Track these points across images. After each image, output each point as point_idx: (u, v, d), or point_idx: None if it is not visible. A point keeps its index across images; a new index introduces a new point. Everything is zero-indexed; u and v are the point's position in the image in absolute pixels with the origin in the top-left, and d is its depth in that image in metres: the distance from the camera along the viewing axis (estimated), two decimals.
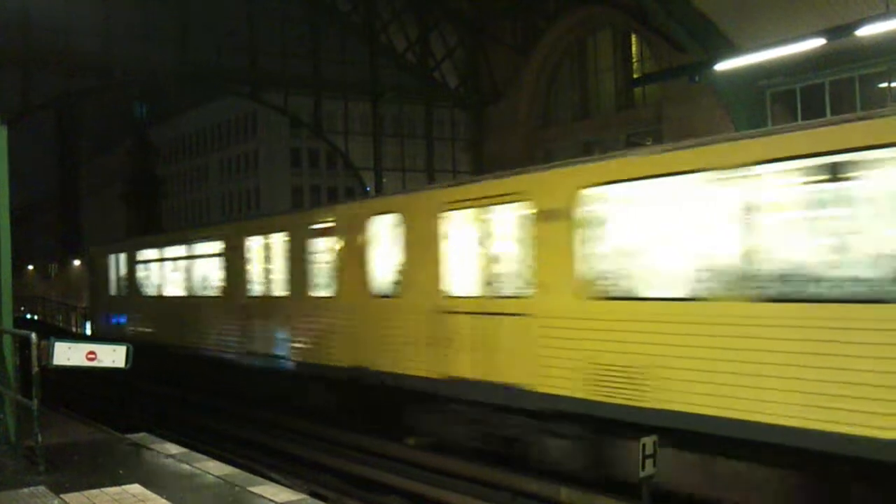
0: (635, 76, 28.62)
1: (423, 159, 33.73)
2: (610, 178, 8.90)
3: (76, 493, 7.31)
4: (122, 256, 23.38)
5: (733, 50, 20.77)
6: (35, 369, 8.18)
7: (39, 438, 8.19)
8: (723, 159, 7.72)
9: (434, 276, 11.12)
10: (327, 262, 13.65)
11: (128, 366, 8.68)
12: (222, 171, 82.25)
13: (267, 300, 15.50)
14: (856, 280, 6.78)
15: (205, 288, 18.10)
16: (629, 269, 8.76)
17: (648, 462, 7.64)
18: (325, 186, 74.13)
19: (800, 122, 8.17)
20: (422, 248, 11.39)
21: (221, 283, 17.25)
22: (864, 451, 6.56)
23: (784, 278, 7.31)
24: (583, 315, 9.00)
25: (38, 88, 25.39)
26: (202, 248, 18.37)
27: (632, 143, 27.31)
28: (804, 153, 7.09)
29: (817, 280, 7.07)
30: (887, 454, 6.41)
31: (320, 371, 13.69)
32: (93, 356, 8.52)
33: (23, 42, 24.84)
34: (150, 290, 21.36)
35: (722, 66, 19.68)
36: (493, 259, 10.34)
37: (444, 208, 11.07)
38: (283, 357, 14.88)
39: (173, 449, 9.28)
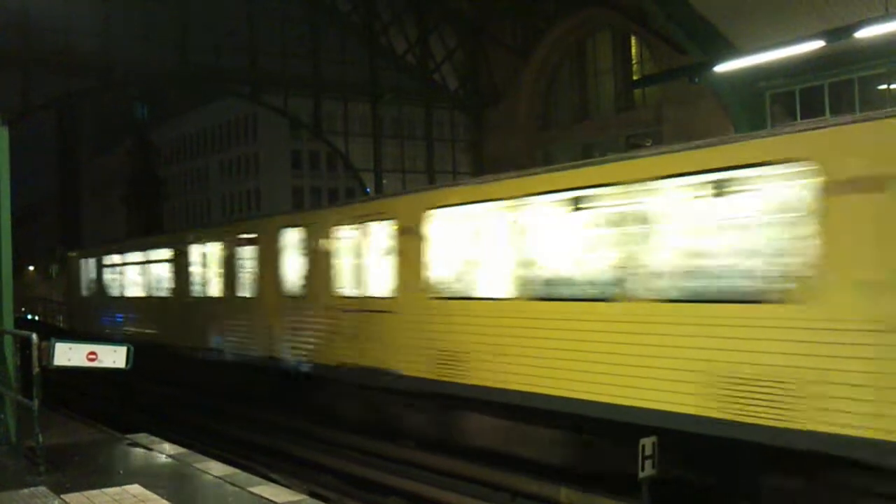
0: (635, 78, 28.66)
1: (423, 160, 33.79)
2: (444, 203, 11.17)
3: (76, 494, 7.33)
4: (92, 261, 26.35)
5: (733, 51, 20.80)
6: (36, 370, 8.20)
7: (40, 439, 8.20)
8: (505, 192, 10.17)
9: (328, 279, 13.31)
10: (250, 268, 16.04)
11: (128, 366, 8.70)
12: (223, 173, 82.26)
13: (205, 300, 17.97)
14: (592, 283, 9.18)
15: (158, 289, 20.66)
16: (458, 275, 11.09)
17: (648, 463, 7.67)
18: (325, 188, 74.13)
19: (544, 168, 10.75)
20: (321, 257, 13.55)
21: (170, 285, 19.83)
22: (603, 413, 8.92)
23: (548, 283, 9.67)
24: (427, 311, 11.27)
25: (38, 89, 25.45)
26: (156, 254, 21.02)
27: (632, 144, 27.34)
28: (551, 189, 9.63)
29: (569, 284, 9.48)
30: (612, 413, 8.78)
31: (245, 359, 16.11)
32: (93, 357, 8.53)
33: (23, 43, 24.90)
34: (115, 291, 24.00)
35: (721, 68, 19.71)
36: (368, 266, 12.58)
37: (334, 224, 13.26)
38: (219, 349, 17.20)
39: (173, 449, 9.30)
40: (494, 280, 10.41)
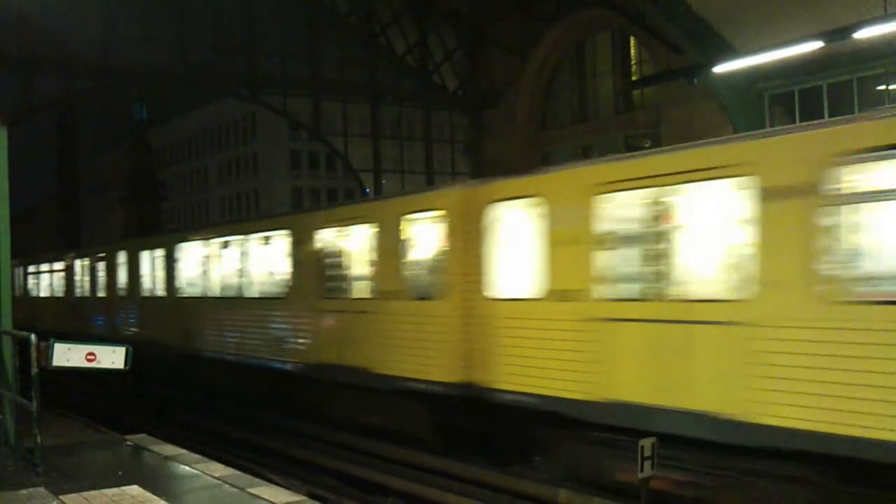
0: (634, 79, 28.66)
1: (422, 161, 33.80)
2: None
3: (75, 495, 7.33)
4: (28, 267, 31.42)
5: (731, 52, 20.80)
6: (34, 370, 8.20)
7: (39, 439, 8.21)
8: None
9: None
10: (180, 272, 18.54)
11: (127, 367, 8.70)
12: (222, 173, 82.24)
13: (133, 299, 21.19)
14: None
15: (90, 290, 24.09)
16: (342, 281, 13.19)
17: (647, 464, 7.67)
18: (324, 188, 74.12)
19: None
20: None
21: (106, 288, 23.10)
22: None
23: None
24: (323, 308, 13.41)
25: (37, 90, 25.44)
26: (80, 262, 25.23)
27: (630, 146, 27.36)
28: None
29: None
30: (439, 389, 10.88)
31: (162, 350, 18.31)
32: (92, 357, 8.53)
33: (22, 44, 24.87)
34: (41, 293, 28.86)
35: (720, 69, 19.72)
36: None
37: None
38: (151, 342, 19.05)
39: (172, 450, 9.30)
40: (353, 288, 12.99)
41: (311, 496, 8.03)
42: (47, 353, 8.26)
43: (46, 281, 29.84)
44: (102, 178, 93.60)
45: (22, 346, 8.87)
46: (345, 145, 31.96)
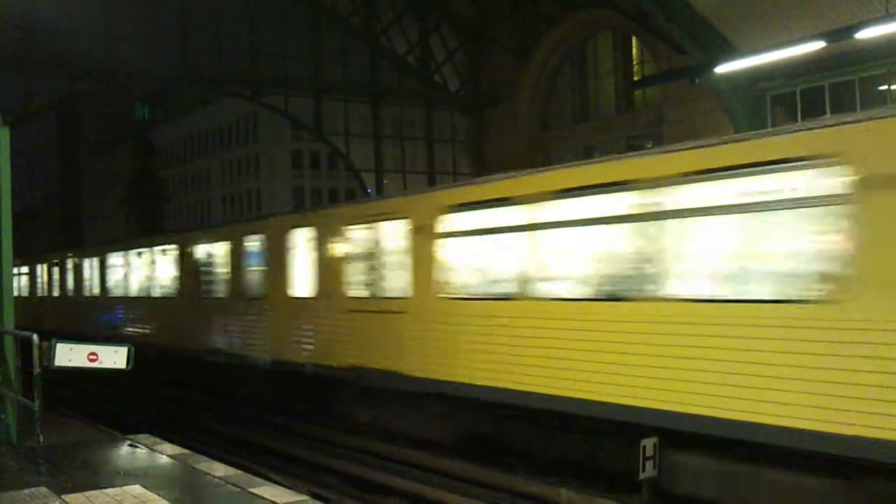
0: (635, 79, 28.67)
1: (424, 161, 33.80)
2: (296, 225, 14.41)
3: (77, 494, 7.34)
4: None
5: (733, 52, 20.80)
6: (37, 370, 8.21)
7: (41, 439, 8.22)
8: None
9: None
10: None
11: (129, 367, 8.72)
12: (223, 173, 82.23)
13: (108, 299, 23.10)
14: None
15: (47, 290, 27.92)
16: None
17: (649, 464, 7.68)
18: (326, 188, 74.13)
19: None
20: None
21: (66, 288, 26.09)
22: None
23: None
24: (289, 305, 14.67)
25: (40, 90, 25.49)
26: (40, 267, 28.99)
27: (632, 146, 27.35)
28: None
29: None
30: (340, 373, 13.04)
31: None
32: (94, 357, 8.55)
33: (25, 45, 24.93)
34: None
35: (722, 69, 19.71)
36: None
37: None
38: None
39: (174, 450, 9.31)
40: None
41: (313, 496, 8.04)
42: (49, 353, 8.28)
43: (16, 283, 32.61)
44: (104, 179, 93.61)
45: (24, 346, 8.89)
46: (346, 145, 31.98)
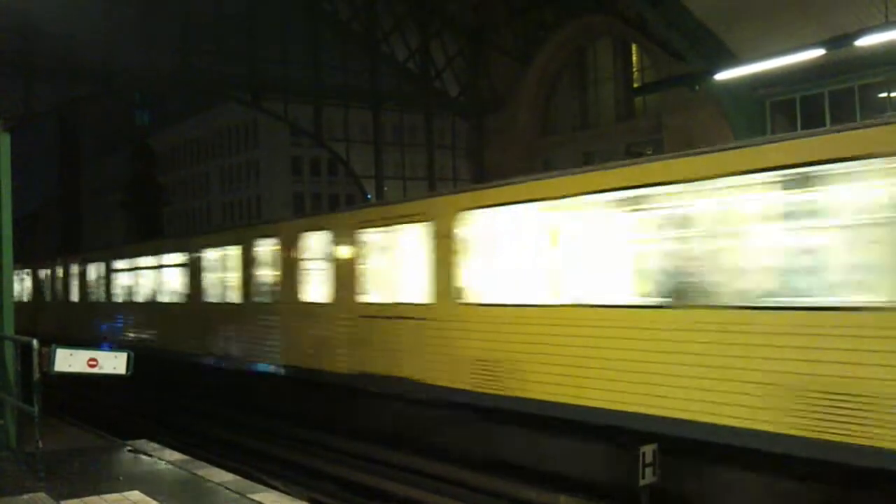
0: (635, 86, 28.70)
1: (424, 167, 33.83)
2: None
3: (76, 500, 7.32)
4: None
5: (733, 59, 20.85)
6: (36, 376, 8.21)
7: (40, 444, 8.21)
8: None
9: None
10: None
11: (129, 372, 8.71)
12: (223, 179, 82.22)
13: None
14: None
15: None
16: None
17: (648, 470, 7.67)
18: (326, 194, 74.12)
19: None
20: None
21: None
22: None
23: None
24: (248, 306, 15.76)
25: (39, 95, 25.50)
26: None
27: (632, 152, 27.38)
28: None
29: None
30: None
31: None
32: (94, 363, 8.54)
33: (25, 49, 24.96)
34: None
35: (722, 76, 19.75)
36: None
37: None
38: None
39: (173, 456, 9.29)
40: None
41: (313, 502, 8.04)
42: (49, 359, 8.27)
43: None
44: (104, 183, 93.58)
45: (24, 352, 8.88)
46: (346, 151, 32.02)
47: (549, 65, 31.37)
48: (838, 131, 7.28)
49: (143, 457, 9.29)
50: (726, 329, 7.56)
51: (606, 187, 8.91)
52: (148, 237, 51.00)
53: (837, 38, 16.96)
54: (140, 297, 21.18)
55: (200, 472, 8.40)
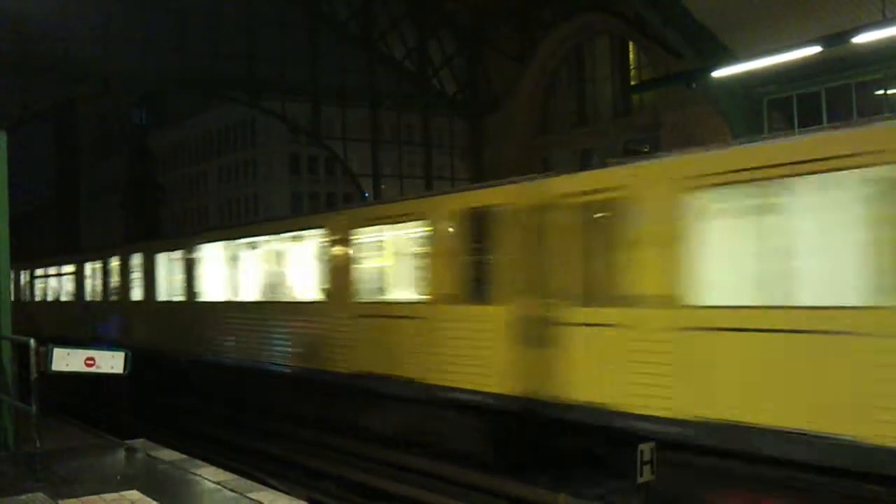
0: (633, 83, 28.71)
1: (421, 166, 33.82)
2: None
3: (74, 500, 7.31)
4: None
5: (730, 57, 20.84)
6: (34, 375, 8.20)
7: (38, 444, 8.20)
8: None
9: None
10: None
11: (126, 372, 8.70)
12: (221, 178, 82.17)
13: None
14: None
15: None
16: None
17: (646, 468, 7.68)
18: (323, 193, 74.08)
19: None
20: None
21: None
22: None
23: None
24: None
25: (37, 95, 25.48)
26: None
27: (629, 150, 27.40)
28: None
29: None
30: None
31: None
32: (91, 362, 8.54)
33: (22, 49, 24.92)
34: None
35: (719, 74, 19.75)
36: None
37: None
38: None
39: (172, 455, 9.28)
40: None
41: (312, 502, 8.04)
42: (46, 358, 8.27)
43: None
44: (102, 183, 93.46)
45: (21, 351, 8.87)
46: (344, 150, 31.98)
47: (547, 63, 31.35)
48: None
49: (141, 456, 9.28)
50: None
51: None
52: (148, 237, 50.96)
53: (834, 35, 16.96)
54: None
55: (198, 472, 8.39)
